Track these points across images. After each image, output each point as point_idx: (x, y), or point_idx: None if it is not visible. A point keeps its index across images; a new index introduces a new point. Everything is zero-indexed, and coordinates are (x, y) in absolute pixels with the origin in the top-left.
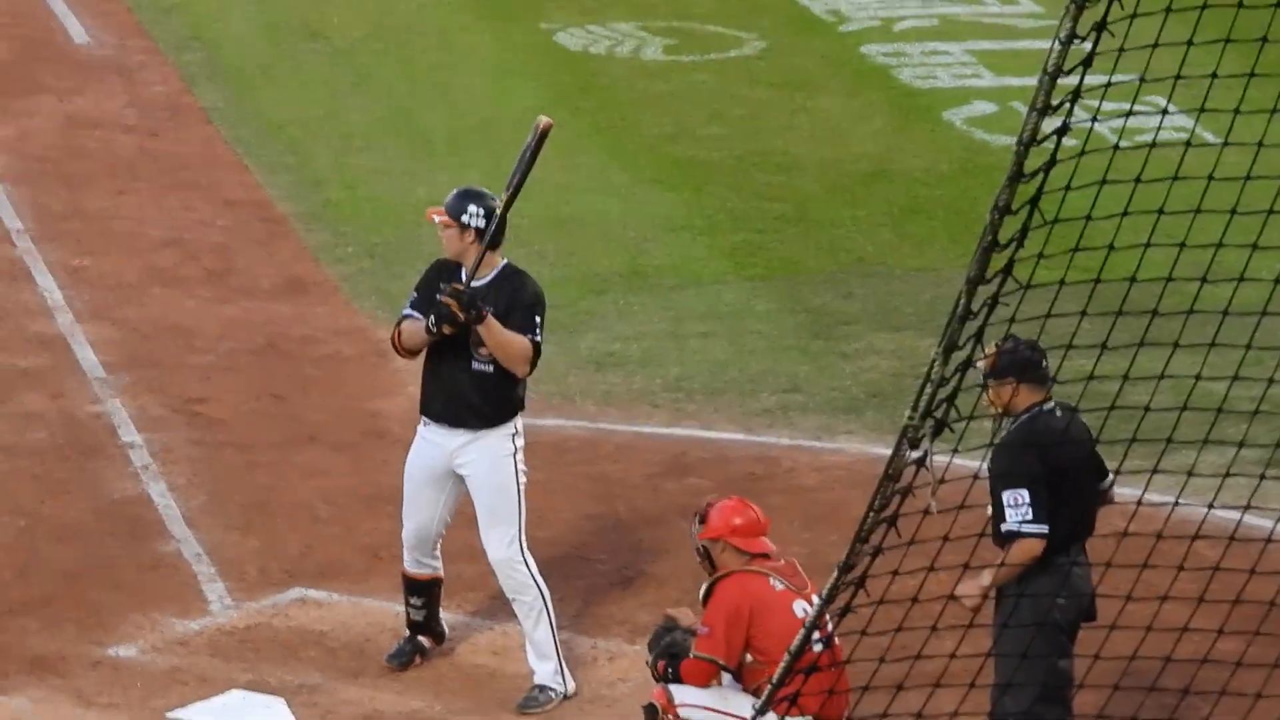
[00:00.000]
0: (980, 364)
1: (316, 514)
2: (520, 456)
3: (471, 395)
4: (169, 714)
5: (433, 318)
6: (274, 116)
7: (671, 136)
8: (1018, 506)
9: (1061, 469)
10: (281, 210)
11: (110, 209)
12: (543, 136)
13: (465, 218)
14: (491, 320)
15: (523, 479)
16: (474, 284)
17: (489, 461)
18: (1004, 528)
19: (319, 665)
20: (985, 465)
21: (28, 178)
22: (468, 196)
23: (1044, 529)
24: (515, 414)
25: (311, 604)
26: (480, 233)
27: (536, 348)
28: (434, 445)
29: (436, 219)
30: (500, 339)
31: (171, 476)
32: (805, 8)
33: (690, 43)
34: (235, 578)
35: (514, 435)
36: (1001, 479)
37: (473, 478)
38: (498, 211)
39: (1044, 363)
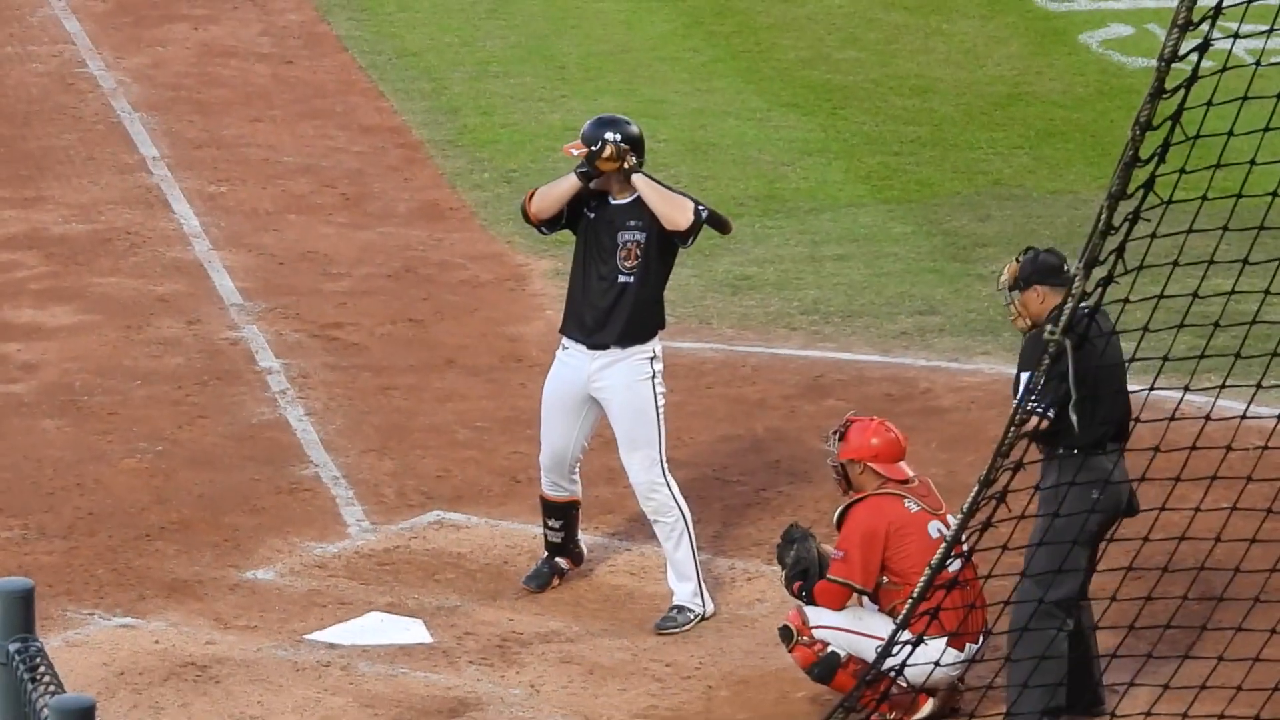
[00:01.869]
0: (1003, 280)
1: (454, 437)
2: (659, 380)
3: (614, 310)
4: (307, 636)
5: (585, 157)
6: (409, 43)
7: (807, 61)
8: (1034, 391)
9: (1093, 367)
10: (417, 136)
11: (245, 136)
12: None
13: (595, 145)
14: (642, 175)
15: (661, 401)
16: (615, 202)
17: (626, 385)
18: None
19: (457, 587)
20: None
21: (163, 106)
22: (603, 124)
23: (1050, 413)
24: (654, 334)
25: (449, 526)
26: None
27: (698, 212)
28: (572, 368)
29: (574, 153)
30: (659, 189)
31: (309, 401)
32: None
33: None
34: (372, 501)
35: (652, 359)
36: (1024, 362)
37: (610, 402)
38: (635, 134)
39: (1065, 265)
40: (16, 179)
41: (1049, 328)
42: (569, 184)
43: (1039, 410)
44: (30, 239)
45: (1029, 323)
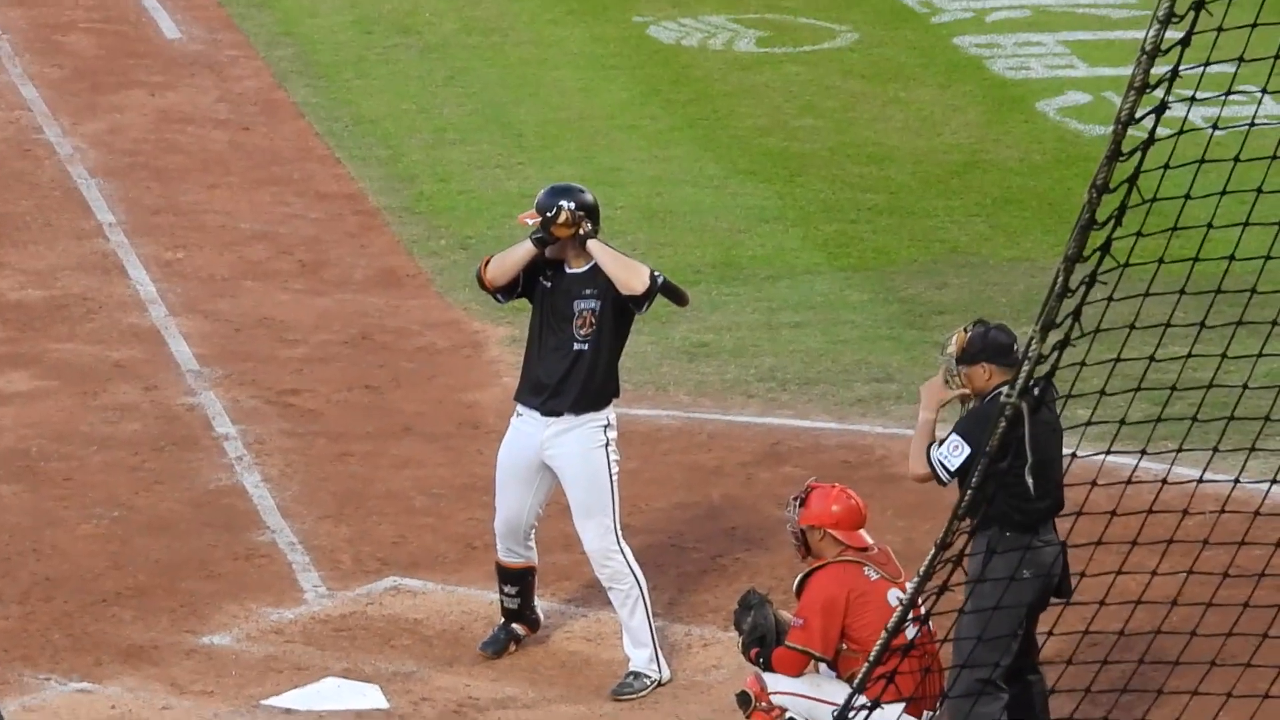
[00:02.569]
0: (950, 349)
1: (410, 504)
2: (613, 447)
3: (569, 377)
4: (264, 702)
5: (539, 223)
6: (366, 110)
7: (764, 129)
8: (953, 451)
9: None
10: (374, 203)
11: (202, 203)
12: None
13: (550, 211)
14: (597, 241)
15: (615, 469)
16: (570, 271)
17: (580, 453)
18: (930, 449)
19: (413, 653)
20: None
21: (120, 172)
22: (557, 192)
23: (946, 478)
24: (609, 402)
25: (405, 593)
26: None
27: (654, 278)
28: (525, 435)
29: (529, 222)
30: (614, 255)
31: (265, 467)
32: None
33: (782, 35)
34: (329, 567)
35: (606, 426)
36: (959, 426)
37: (564, 470)
38: (590, 202)
39: (1014, 345)
40: None
41: (1005, 391)
42: (524, 251)
43: (941, 477)
44: None
45: (971, 397)
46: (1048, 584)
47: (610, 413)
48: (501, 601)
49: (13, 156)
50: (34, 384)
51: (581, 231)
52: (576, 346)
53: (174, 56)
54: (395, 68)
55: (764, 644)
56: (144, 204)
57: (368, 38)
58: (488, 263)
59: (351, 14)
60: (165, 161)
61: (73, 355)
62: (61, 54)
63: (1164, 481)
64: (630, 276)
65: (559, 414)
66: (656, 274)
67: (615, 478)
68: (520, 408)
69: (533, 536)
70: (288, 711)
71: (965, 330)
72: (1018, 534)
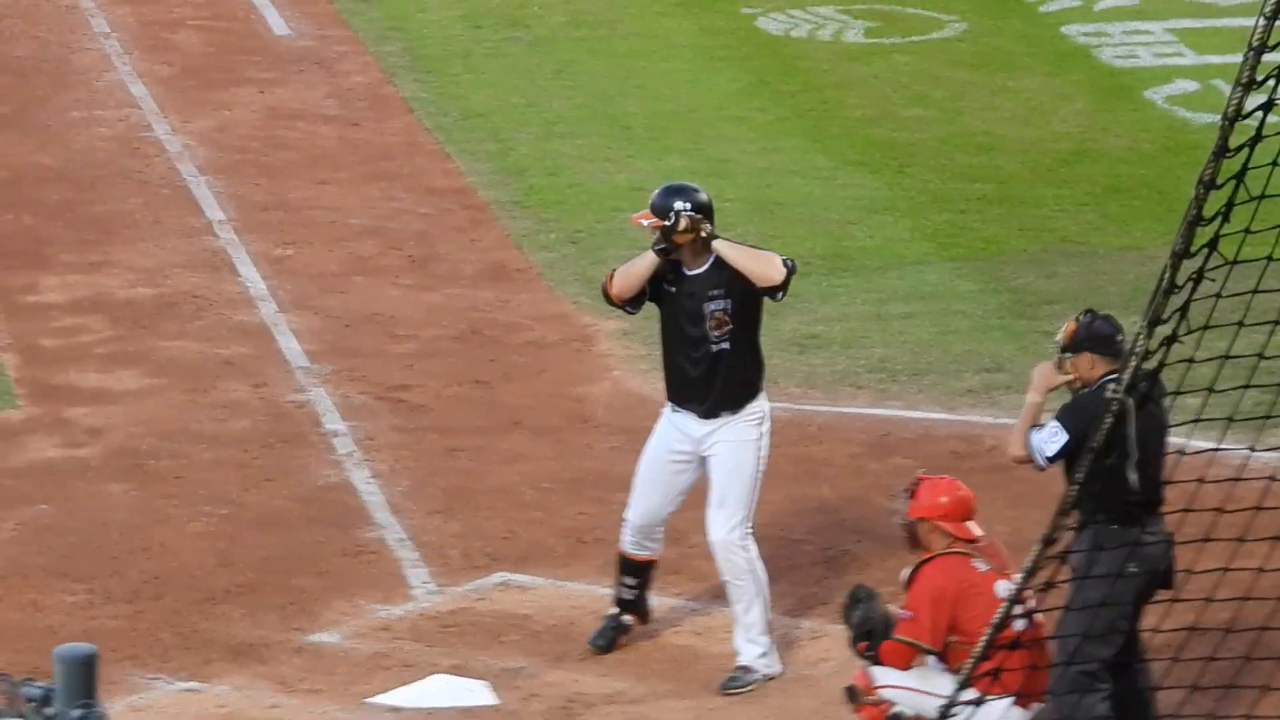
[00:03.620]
0: (1058, 339)
1: (520, 499)
2: (766, 443)
3: (715, 377)
4: (372, 700)
5: (660, 232)
6: (475, 105)
7: (873, 119)
8: (1051, 438)
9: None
10: (484, 198)
11: (311, 199)
12: None
13: (669, 219)
14: (722, 239)
15: (763, 465)
16: (691, 273)
17: (734, 442)
18: (1031, 433)
19: (522, 649)
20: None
21: (229, 169)
22: (671, 193)
23: (1043, 463)
24: (762, 387)
25: (514, 588)
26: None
27: (787, 264)
28: (683, 431)
29: (645, 223)
30: (743, 250)
31: (374, 464)
32: None
33: (891, 25)
34: (438, 563)
35: (761, 420)
36: (1061, 413)
37: (715, 457)
38: (705, 201)
39: (1118, 336)
40: (83, 243)
41: (1111, 387)
42: (648, 262)
43: (1039, 462)
44: (96, 303)
45: (1079, 385)
46: (1153, 579)
47: (765, 403)
48: (619, 592)
49: (122, 154)
50: (143, 382)
51: (704, 233)
52: (715, 348)
53: (282, 53)
54: (504, 61)
55: (872, 637)
56: (253, 201)
57: (476, 32)
58: (611, 277)
59: (460, 8)
60: (274, 158)
61: (182, 353)
62: (170, 51)
63: (1273, 477)
64: (766, 268)
65: (717, 415)
66: (788, 259)
67: (760, 474)
68: (674, 406)
69: (662, 530)
70: (396, 709)
71: (1076, 319)
72: (1123, 528)
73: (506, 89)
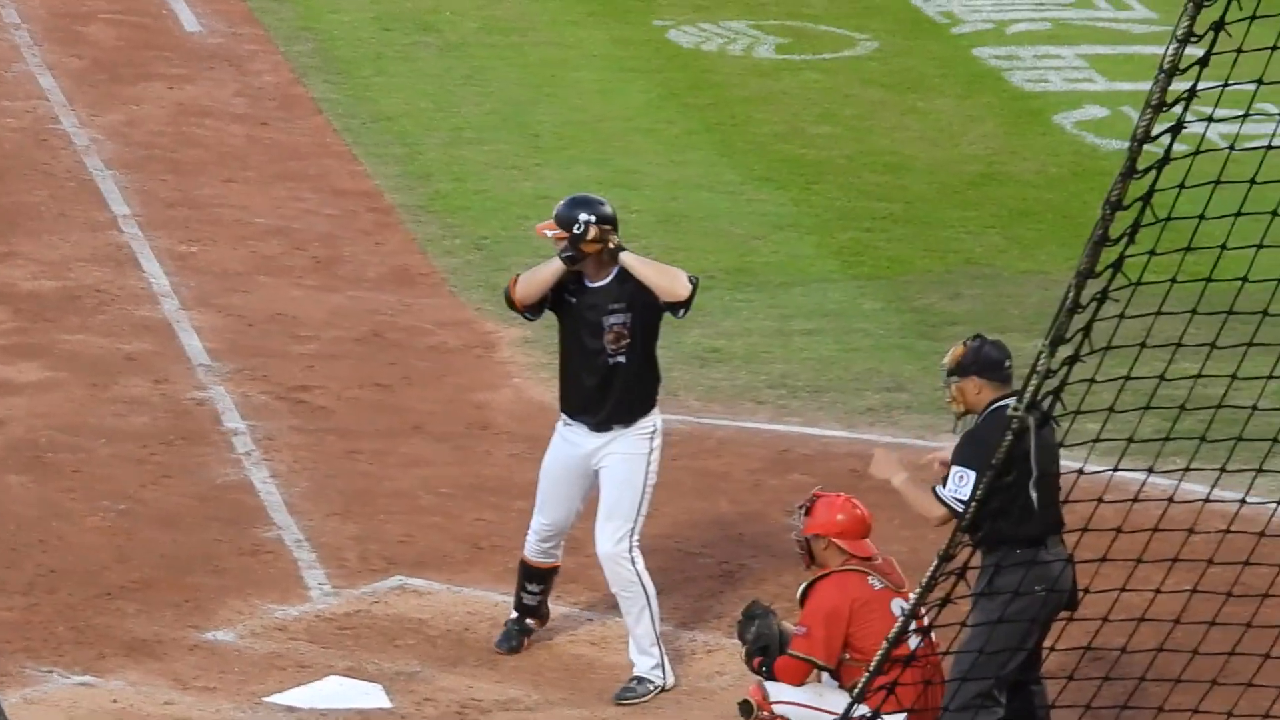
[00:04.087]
0: (945, 362)
1: (418, 503)
2: (656, 457)
3: (610, 390)
4: (266, 699)
5: (566, 242)
6: (385, 108)
7: (782, 135)
8: (959, 484)
9: (1027, 467)
10: (390, 201)
11: (218, 197)
12: None
13: (577, 227)
14: (630, 253)
15: (653, 480)
16: (593, 285)
17: (624, 456)
18: (936, 489)
19: (417, 653)
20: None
21: (136, 164)
22: (577, 204)
23: (963, 509)
24: (654, 402)
25: (411, 592)
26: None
27: (693, 280)
28: (575, 445)
29: (549, 234)
30: (650, 264)
31: (273, 463)
32: (918, 9)
33: (802, 42)
34: (335, 564)
35: (652, 434)
36: (958, 456)
37: (606, 470)
38: (610, 214)
39: (1007, 362)
40: None
41: (1011, 403)
42: (553, 270)
43: (956, 508)
44: None
45: (962, 410)
46: (1058, 599)
47: (658, 418)
48: (520, 598)
49: (29, 146)
50: (44, 374)
51: (611, 245)
52: (612, 361)
53: (193, 49)
54: (414, 65)
55: (767, 654)
56: (159, 197)
57: (387, 35)
58: (515, 282)
59: (372, 10)
60: (182, 155)
61: (84, 347)
62: (81, 44)
63: (1170, 499)
64: (673, 283)
65: (609, 429)
66: (693, 276)
67: (650, 489)
68: (567, 419)
69: (564, 539)
70: (290, 709)
71: (964, 344)
72: (1027, 550)
73: (416, 93)
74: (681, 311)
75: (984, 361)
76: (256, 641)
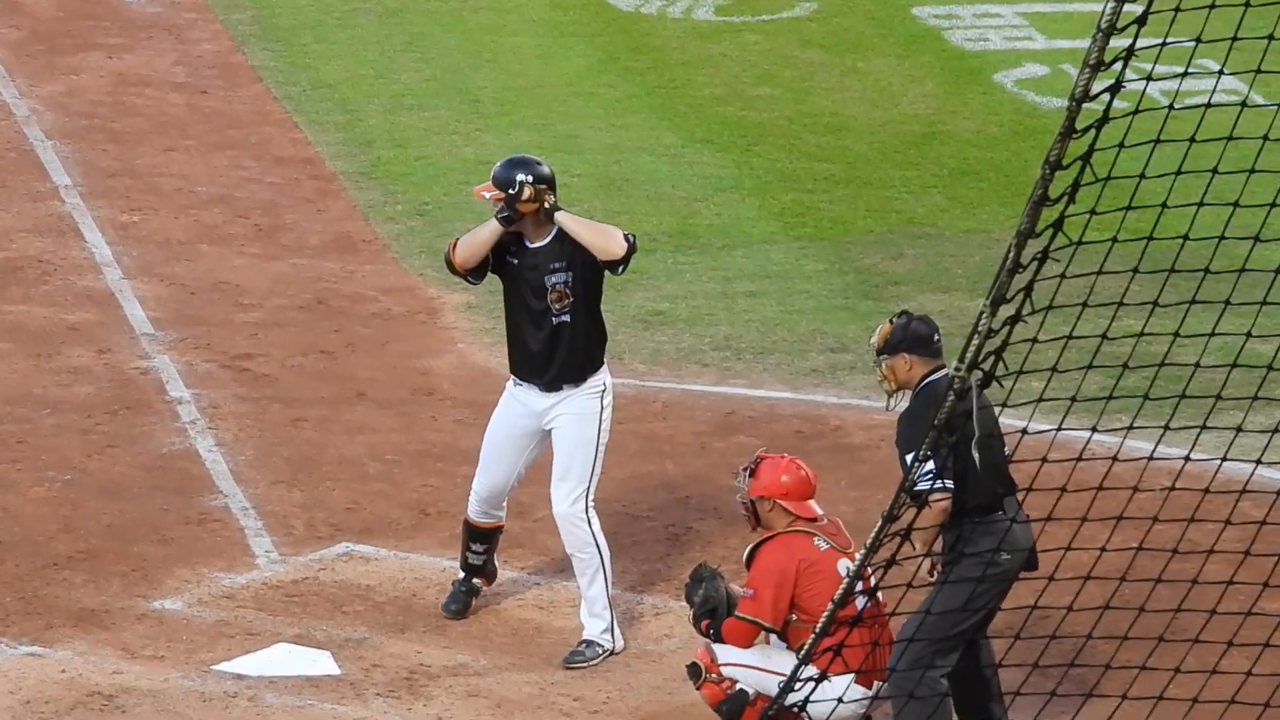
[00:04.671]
0: (873, 341)
1: (364, 470)
2: (608, 415)
3: (557, 350)
4: (214, 667)
5: (497, 211)
6: (325, 75)
7: (722, 97)
8: (922, 471)
9: (968, 434)
10: (331, 168)
11: (159, 166)
12: None
13: (513, 189)
14: (565, 212)
15: (605, 438)
16: (534, 246)
17: (576, 416)
18: (917, 489)
19: (365, 620)
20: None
21: (76, 134)
22: (514, 165)
23: (941, 485)
24: (602, 359)
25: (358, 559)
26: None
27: (628, 239)
28: (525, 404)
29: (487, 195)
30: (585, 223)
31: (219, 432)
32: None
33: (742, 4)
34: (282, 532)
35: (602, 393)
36: (906, 443)
37: (558, 430)
38: (548, 174)
39: (935, 336)
40: None
41: (955, 364)
42: (490, 230)
43: (940, 487)
44: None
45: (894, 387)
46: (1019, 559)
47: (607, 376)
48: (465, 558)
49: None
50: None
51: (546, 204)
52: (556, 320)
53: (132, 19)
54: (354, 32)
55: (715, 616)
56: (100, 167)
57: (326, 2)
58: (455, 246)
59: None
60: (122, 124)
61: (27, 317)
62: (19, 15)
63: (1115, 458)
64: (607, 242)
65: (559, 388)
66: (629, 235)
67: (602, 448)
68: (517, 379)
69: (507, 501)
70: (238, 677)
71: (891, 321)
72: (984, 517)
73: (356, 60)
74: (620, 269)
75: (912, 338)
76: (204, 610)
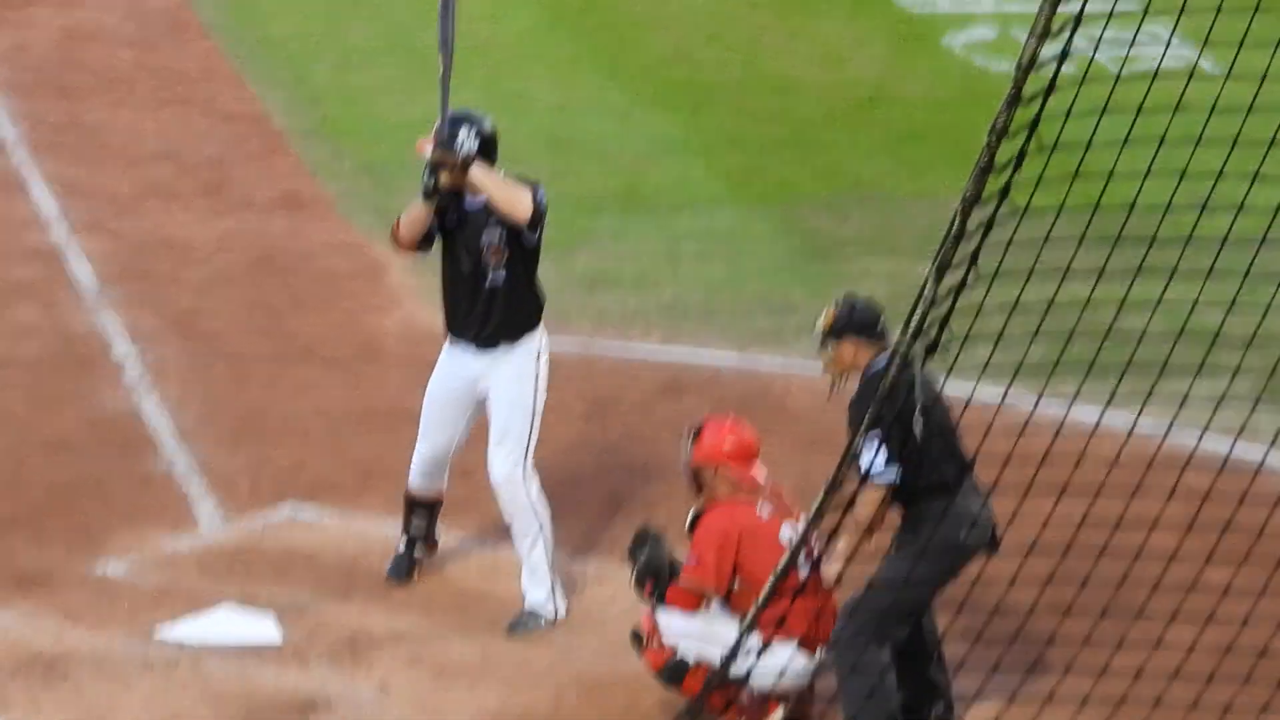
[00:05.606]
0: (818, 326)
1: (309, 430)
2: (543, 377)
3: (492, 308)
4: (158, 629)
5: (425, 173)
6: (273, 32)
7: (670, 59)
8: (874, 452)
9: (920, 410)
10: (279, 125)
11: (107, 121)
12: (453, 8)
13: (457, 143)
14: (479, 167)
15: (541, 399)
16: (472, 204)
17: (512, 377)
18: (865, 472)
19: (309, 583)
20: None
21: (24, 89)
22: (457, 121)
23: (891, 476)
24: (538, 319)
25: (302, 522)
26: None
27: (537, 202)
28: (461, 365)
29: (427, 149)
30: (495, 180)
31: (164, 390)
32: None
33: None
34: (226, 494)
35: (538, 354)
36: (858, 427)
37: (494, 393)
38: (490, 128)
39: (879, 320)
40: None
41: (899, 332)
42: (419, 208)
43: (881, 474)
44: None
45: (839, 373)
46: (979, 538)
47: (543, 337)
48: (407, 527)
49: None
50: None
51: (458, 163)
52: (492, 277)
53: None
54: None
55: (657, 578)
56: (48, 122)
57: None
58: (398, 226)
59: None
60: (70, 79)
61: None
62: None
63: (1060, 427)
64: (513, 204)
65: (495, 346)
66: (541, 195)
67: (539, 410)
68: (453, 338)
69: (448, 467)
70: (181, 642)
71: (835, 305)
72: (943, 496)
73: (304, 17)
74: (535, 233)
75: (858, 322)
76: (147, 573)
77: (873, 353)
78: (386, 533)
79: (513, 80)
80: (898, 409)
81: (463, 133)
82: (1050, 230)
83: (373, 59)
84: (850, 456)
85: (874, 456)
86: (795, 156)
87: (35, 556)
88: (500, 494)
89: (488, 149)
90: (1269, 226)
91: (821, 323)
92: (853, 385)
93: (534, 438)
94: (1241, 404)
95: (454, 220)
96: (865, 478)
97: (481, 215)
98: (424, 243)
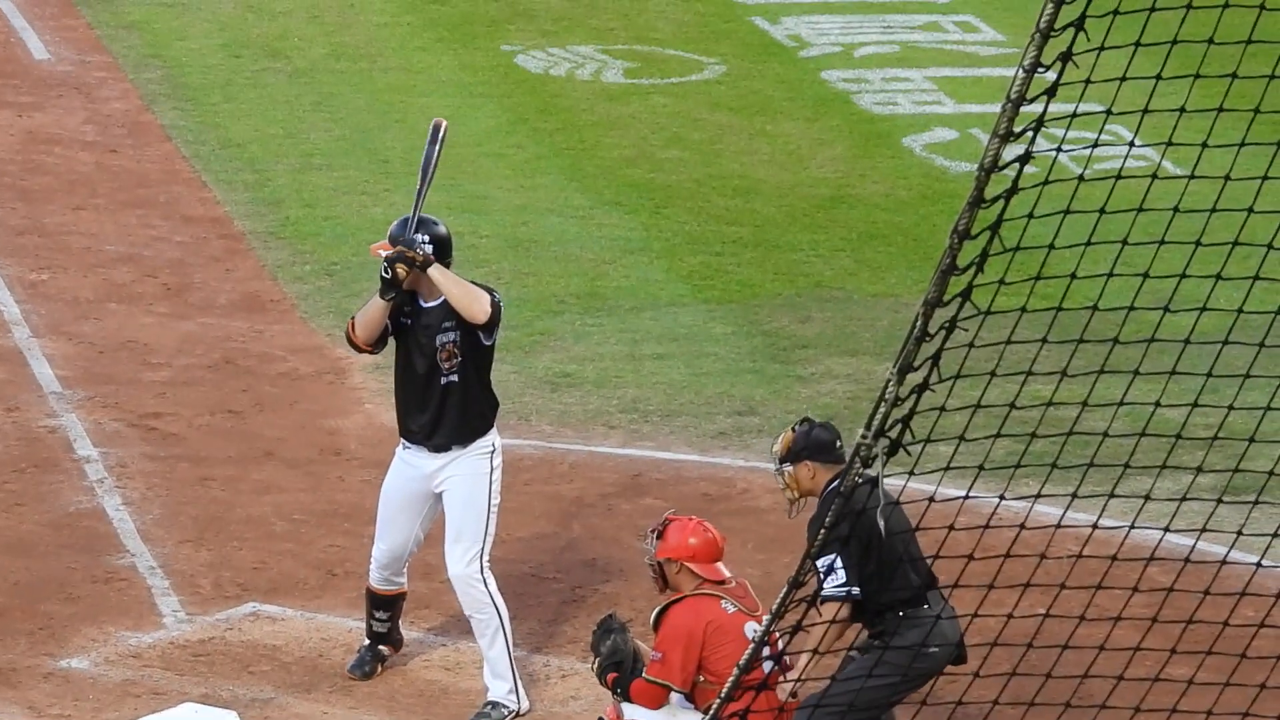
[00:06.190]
0: (775, 450)
1: (271, 530)
2: (497, 477)
3: (445, 411)
4: None
5: (382, 270)
6: (234, 134)
7: (631, 159)
8: (834, 573)
9: (879, 531)
10: (240, 228)
11: (68, 224)
12: (442, 138)
13: (416, 243)
14: (438, 267)
15: (496, 499)
16: (427, 305)
17: (466, 478)
18: (822, 593)
19: (272, 680)
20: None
21: None
22: (407, 224)
23: (853, 591)
24: (492, 422)
25: (265, 619)
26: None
27: (495, 304)
28: (415, 468)
29: (383, 254)
30: (456, 281)
31: (126, 491)
32: (766, 33)
33: (650, 66)
34: (189, 592)
35: (491, 454)
36: (819, 550)
37: (448, 493)
38: (444, 232)
39: (838, 443)
40: None
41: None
42: (377, 307)
43: (846, 596)
44: None
45: (797, 495)
46: (946, 654)
47: (496, 438)
48: (370, 626)
49: None
50: None
51: (419, 262)
52: (444, 380)
53: (42, 77)
54: (263, 92)
55: (620, 670)
56: (9, 225)
57: (236, 61)
58: (353, 325)
59: (220, 37)
60: (31, 182)
61: None
62: None
63: (1023, 525)
64: (472, 305)
65: (447, 449)
66: (498, 298)
67: (494, 509)
68: (406, 443)
69: (407, 565)
70: None
71: (793, 429)
72: (909, 610)
73: (265, 119)
74: (492, 334)
75: (815, 445)
76: (111, 669)
77: (830, 474)
78: (349, 628)
79: (473, 182)
80: (857, 519)
81: (418, 237)
82: (1012, 332)
83: (333, 161)
84: (811, 559)
85: (833, 577)
86: (756, 257)
87: None
88: (459, 590)
89: (442, 251)
90: (1231, 326)
91: (778, 446)
92: (812, 505)
93: (490, 536)
94: (1204, 503)
95: (409, 320)
96: (821, 597)
97: (437, 315)
98: (379, 343)
